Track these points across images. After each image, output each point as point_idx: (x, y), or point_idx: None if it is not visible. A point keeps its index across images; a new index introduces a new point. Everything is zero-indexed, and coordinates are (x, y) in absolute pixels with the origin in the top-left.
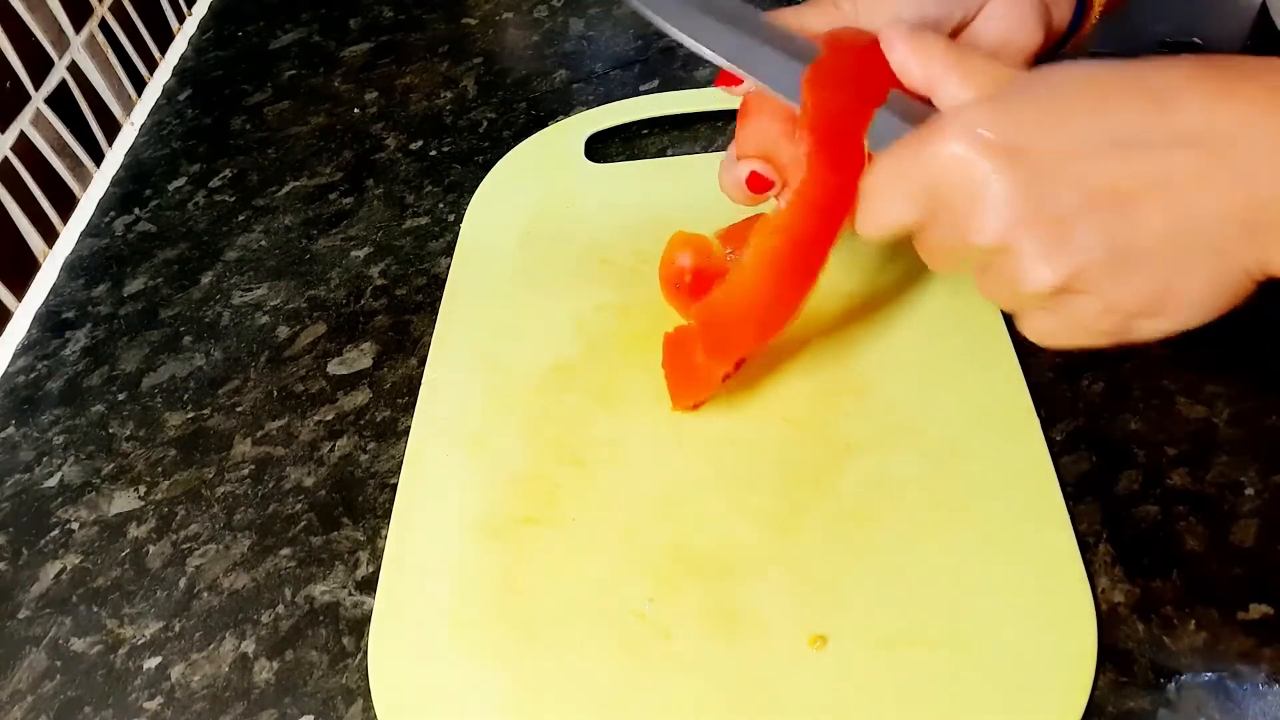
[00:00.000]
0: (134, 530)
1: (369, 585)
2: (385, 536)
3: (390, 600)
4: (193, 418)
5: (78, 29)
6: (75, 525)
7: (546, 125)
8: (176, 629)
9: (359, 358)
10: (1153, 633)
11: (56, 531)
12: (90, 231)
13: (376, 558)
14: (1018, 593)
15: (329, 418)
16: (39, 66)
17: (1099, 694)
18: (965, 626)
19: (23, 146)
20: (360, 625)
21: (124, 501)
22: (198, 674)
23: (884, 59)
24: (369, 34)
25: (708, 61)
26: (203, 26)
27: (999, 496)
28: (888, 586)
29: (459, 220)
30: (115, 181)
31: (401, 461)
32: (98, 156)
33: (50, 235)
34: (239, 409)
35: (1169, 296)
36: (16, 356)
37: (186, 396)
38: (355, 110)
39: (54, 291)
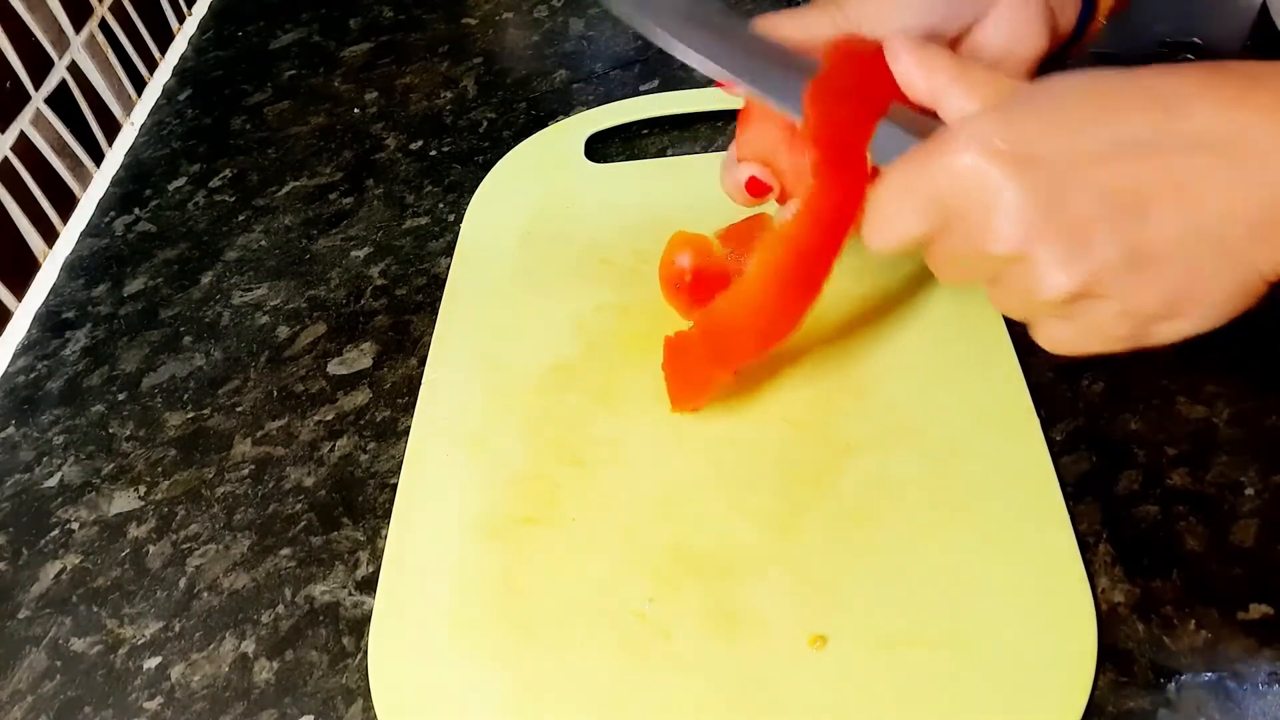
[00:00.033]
0: (134, 530)
1: (369, 585)
2: (385, 536)
3: (390, 600)
4: (193, 418)
5: (78, 29)
6: (75, 525)
7: (546, 125)
8: (176, 629)
9: (359, 358)
10: (1153, 633)
11: (56, 531)
12: (90, 231)
13: (376, 558)
14: (1018, 593)
15: (329, 418)
16: (39, 66)
17: (1099, 694)
18: (965, 626)
19: (23, 146)
20: (360, 625)
21: (124, 501)
22: (198, 674)
23: (886, 70)
24: (369, 34)
25: None
26: (203, 26)
27: (999, 496)
28: (888, 586)
29: (459, 220)
30: (115, 181)
31: (401, 461)
32: (98, 156)
33: (50, 235)
34: (239, 409)
35: (1185, 299)
36: (16, 356)
37: (186, 396)
38: (355, 110)
39: (54, 291)
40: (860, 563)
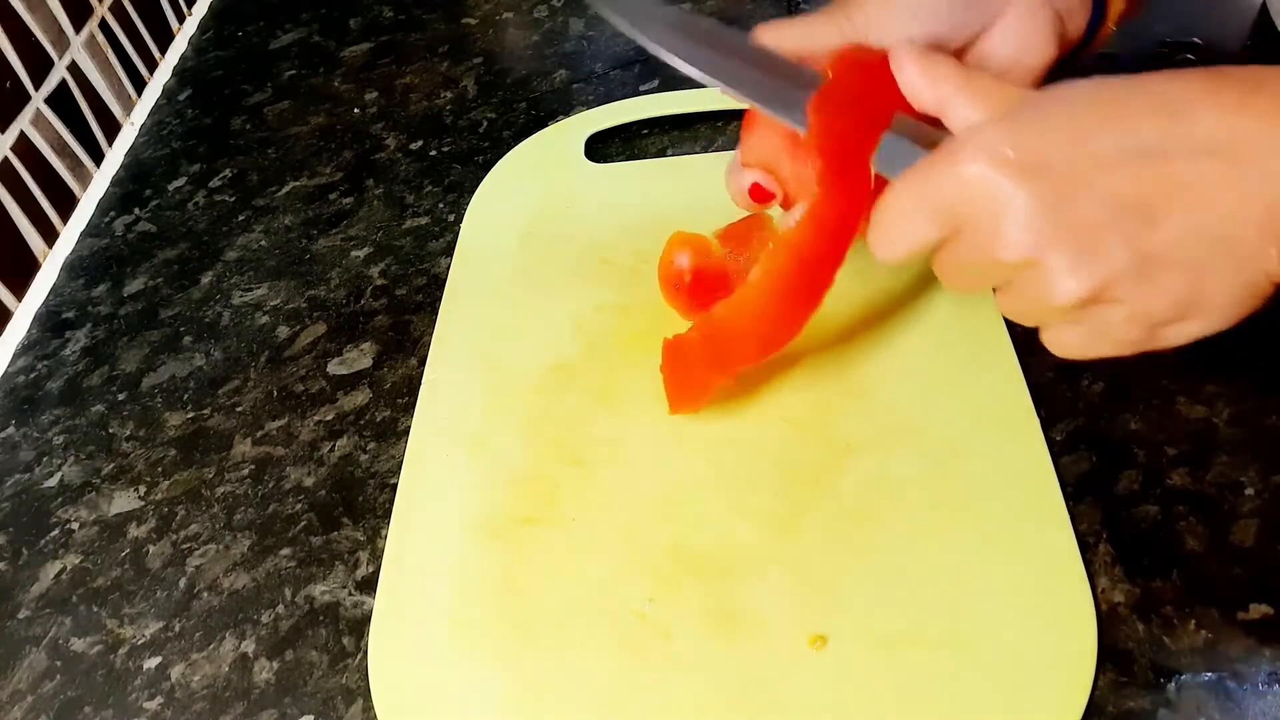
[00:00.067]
0: (134, 530)
1: (369, 585)
2: (385, 536)
3: (390, 600)
4: (193, 418)
5: (78, 29)
6: (75, 525)
7: (546, 125)
8: (176, 629)
9: (359, 358)
10: (1153, 633)
11: (56, 531)
12: (90, 231)
13: (376, 558)
14: (1018, 593)
15: (329, 418)
16: (39, 66)
17: (1099, 694)
18: (965, 626)
19: (23, 146)
20: (360, 625)
21: (124, 501)
22: (198, 674)
23: (890, 79)
24: (369, 34)
25: None
26: (203, 26)
27: (999, 496)
28: (888, 586)
29: (459, 220)
30: (115, 181)
31: (401, 461)
32: (98, 156)
33: (50, 235)
34: (239, 409)
35: (1194, 302)
36: (16, 356)
37: (186, 396)
38: (355, 110)
39: (54, 291)
40: (860, 563)
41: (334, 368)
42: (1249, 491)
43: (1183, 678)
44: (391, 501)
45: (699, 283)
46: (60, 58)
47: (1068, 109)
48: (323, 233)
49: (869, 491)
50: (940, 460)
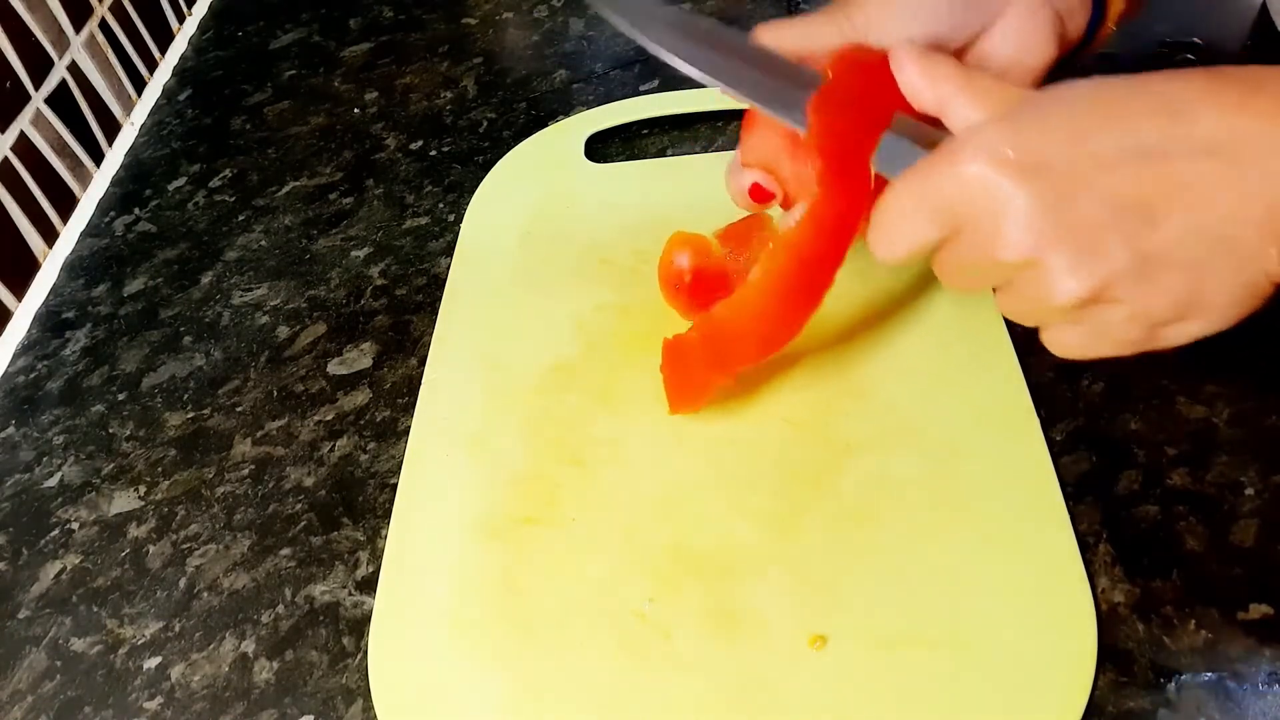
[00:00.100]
0: (134, 530)
1: (369, 585)
2: (385, 536)
3: (390, 600)
4: (193, 418)
5: (78, 29)
6: (75, 525)
7: (546, 125)
8: (176, 629)
9: (359, 358)
10: (1153, 633)
11: (56, 531)
12: (90, 231)
13: (376, 558)
14: (1018, 593)
15: (329, 418)
16: (39, 66)
17: (1099, 694)
18: (965, 626)
19: (23, 146)
20: (360, 625)
21: (124, 501)
22: (198, 674)
23: (890, 79)
24: (369, 34)
25: None
26: (203, 26)
27: (999, 496)
28: (888, 586)
29: (459, 220)
30: (115, 181)
31: (401, 461)
32: (98, 156)
33: (50, 235)
34: (239, 409)
35: (1194, 302)
36: (16, 356)
37: (186, 396)
38: (355, 110)
39: (54, 291)
40: (860, 563)
41: (334, 368)
42: (1249, 491)
43: (1183, 678)
44: (391, 501)
45: (699, 283)
46: (60, 58)
47: (1068, 109)
48: (323, 233)
49: (869, 491)
50: (940, 460)
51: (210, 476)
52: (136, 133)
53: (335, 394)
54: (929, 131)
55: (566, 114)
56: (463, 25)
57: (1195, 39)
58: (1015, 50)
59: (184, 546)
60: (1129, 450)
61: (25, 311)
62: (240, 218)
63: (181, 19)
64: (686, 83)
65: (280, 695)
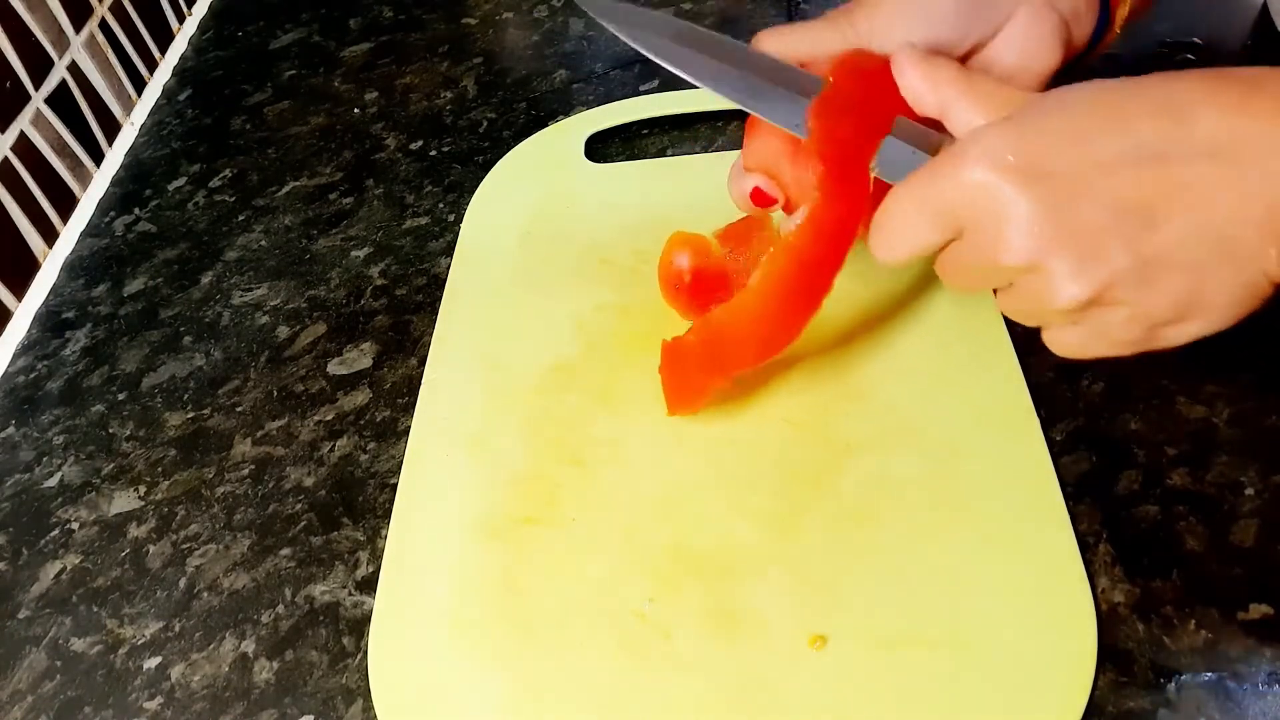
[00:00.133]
0: (134, 530)
1: (369, 585)
2: (385, 536)
3: (390, 600)
4: (193, 418)
5: (78, 29)
6: (75, 525)
7: (546, 125)
8: (176, 629)
9: (359, 358)
10: (1153, 633)
11: (56, 531)
12: (90, 231)
13: (376, 558)
14: (1018, 593)
15: (329, 418)
16: (39, 66)
17: (1099, 694)
18: (965, 626)
19: (23, 146)
20: (360, 625)
21: (124, 501)
22: (198, 674)
23: (891, 84)
24: (369, 34)
25: None
26: (203, 26)
27: (999, 496)
28: (888, 586)
29: (459, 220)
30: (115, 181)
31: (401, 461)
32: (98, 156)
33: (50, 235)
34: (239, 409)
35: (1194, 302)
36: (16, 356)
37: (186, 396)
38: (355, 110)
39: (54, 291)
40: (860, 563)
41: (334, 368)
42: (1249, 491)
43: (1183, 678)
44: (391, 501)
45: (699, 283)
46: (60, 58)
47: (1068, 112)
48: (323, 233)
49: (869, 491)
50: (940, 460)
51: (210, 476)
52: (136, 133)
53: (335, 394)
54: (930, 135)
55: (566, 114)
56: (463, 25)
57: (1195, 39)
58: (1020, 56)
59: (184, 546)
60: (1129, 450)
61: (25, 311)
62: (240, 218)
63: (181, 19)
64: (686, 83)
65: (280, 695)
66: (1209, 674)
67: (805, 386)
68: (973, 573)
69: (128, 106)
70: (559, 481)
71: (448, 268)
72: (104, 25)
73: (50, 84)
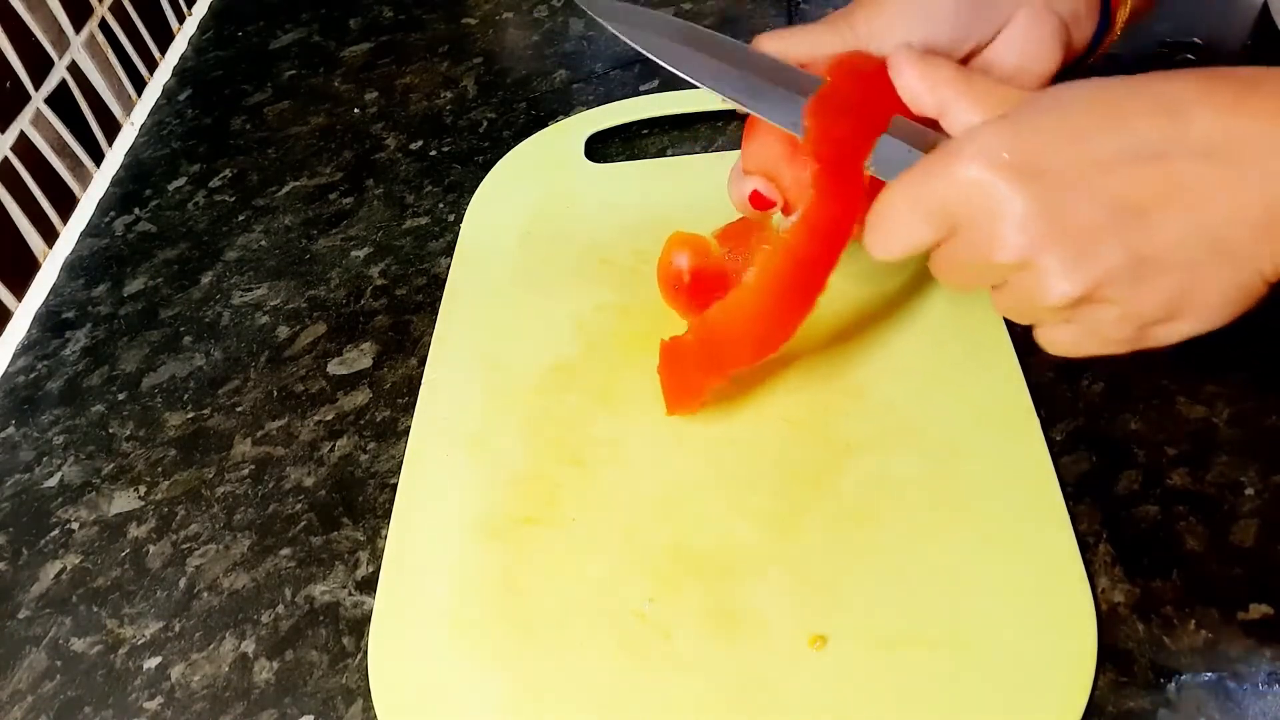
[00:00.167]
0: (134, 530)
1: (369, 585)
2: (385, 536)
3: (390, 600)
4: (193, 418)
5: (78, 29)
6: (75, 525)
7: (546, 125)
8: (176, 629)
9: (359, 358)
10: (1153, 633)
11: (56, 531)
12: (90, 231)
13: (376, 558)
14: (1018, 593)
15: (329, 418)
16: (39, 66)
17: (1099, 694)
18: (965, 626)
19: (23, 146)
20: (360, 625)
21: (124, 501)
22: (198, 674)
23: (888, 85)
24: (369, 34)
25: None
26: (203, 26)
27: (999, 496)
28: (888, 586)
29: (459, 220)
30: (115, 181)
31: (401, 461)
32: (98, 156)
33: (50, 235)
34: (239, 409)
35: (1187, 301)
36: (16, 356)
37: (186, 396)
38: (355, 110)
39: (54, 291)
40: (860, 563)
41: (334, 368)
42: (1249, 491)
43: (1183, 678)
44: (391, 501)
45: (698, 283)
46: (60, 58)
47: (1065, 110)
48: (323, 233)
49: (869, 491)
50: (940, 460)
51: (210, 476)
52: (136, 133)
53: (335, 394)
54: (927, 134)
55: (566, 114)
56: (463, 25)
57: (1195, 39)
58: (1020, 59)
59: (184, 546)
60: (1129, 450)
61: (25, 311)
62: (240, 218)
63: (181, 19)
64: (686, 83)
65: (280, 695)
66: (1209, 674)
67: (805, 386)
68: (973, 573)
69: (128, 106)
70: (559, 481)
71: (448, 268)
72: (104, 25)
73: (50, 84)
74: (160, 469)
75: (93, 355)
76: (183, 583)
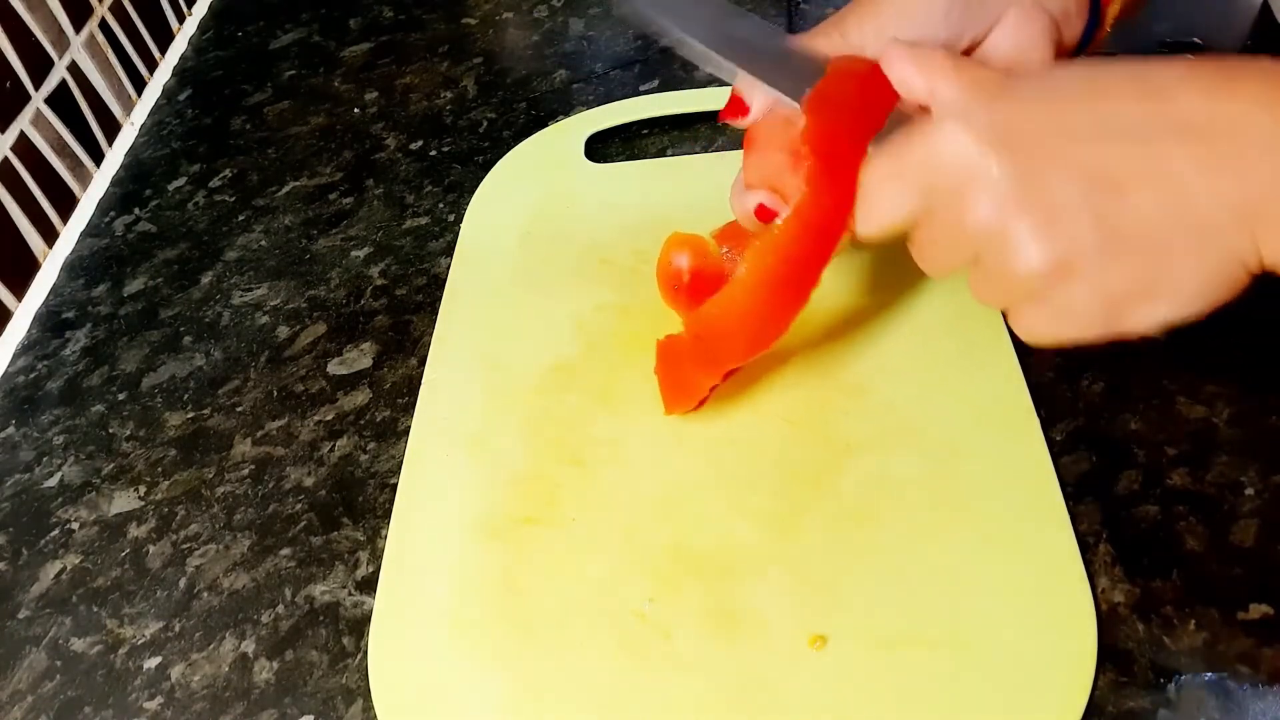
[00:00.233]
0: (134, 530)
1: (369, 585)
2: (385, 536)
3: (390, 600)
4: (193, 418)
5: (78, 29)
6: (75, 525)
7: (546, 125)
8: (176, 629)
9: (359, 358)
10: (1153, 633)
11: (56, 531)
12: (90, 231)
13: (376, 558)
14: (1018, 593)
15: (329, 418)
16: (39, 66)
17: (1099, 694)
18: (965, 626)
19: (23, 146)
20: (360, 625)
21: (124, 501)
22: (198, 674)
23: (884, 84)
24: (369, 34)
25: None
26: (203, 26)
27: (999, 496)
28: (888, 586)
29: (459, 220)
30: (115, 181)
31: (401, 461)
32: (98, 156)
33: (50, 235)
34: (239, 409)
35: (1160, 283)
36: (16, 356)
37: (186, 396)
38: (355, 110)
39: (54, 291)
40: (860, 563)
41: (334, 368)
42: (1249, 491)
43: (1183, 678)
44: (391, 501)
45: (697, 283)
46: (60, 58)
47: (1048, 86)
48: (323, 233)
49: (869, 491)
50: (940, 460)
51: (210, 476)
52: (136, 133)
53: (335, 394)
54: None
55: (566, 114)
56: (463, 25)
57: (1195, 39)
58: (1011, 58)
59: (184, 546)
60: (1129, 450)
61: (25, 311)
62: (240, 218)
63: (181, 19)
64: (686, 83)
65: (280, 695)
66: (1209, 674)
67: (805, 386)
68: (973, 573)
69: (128, 106)
70: (559, 481)
71: (448, 268)
72: (104, 25)
73: (50, 84)
74: (160, 469)
75: (93, 355)
76: (183, 583)
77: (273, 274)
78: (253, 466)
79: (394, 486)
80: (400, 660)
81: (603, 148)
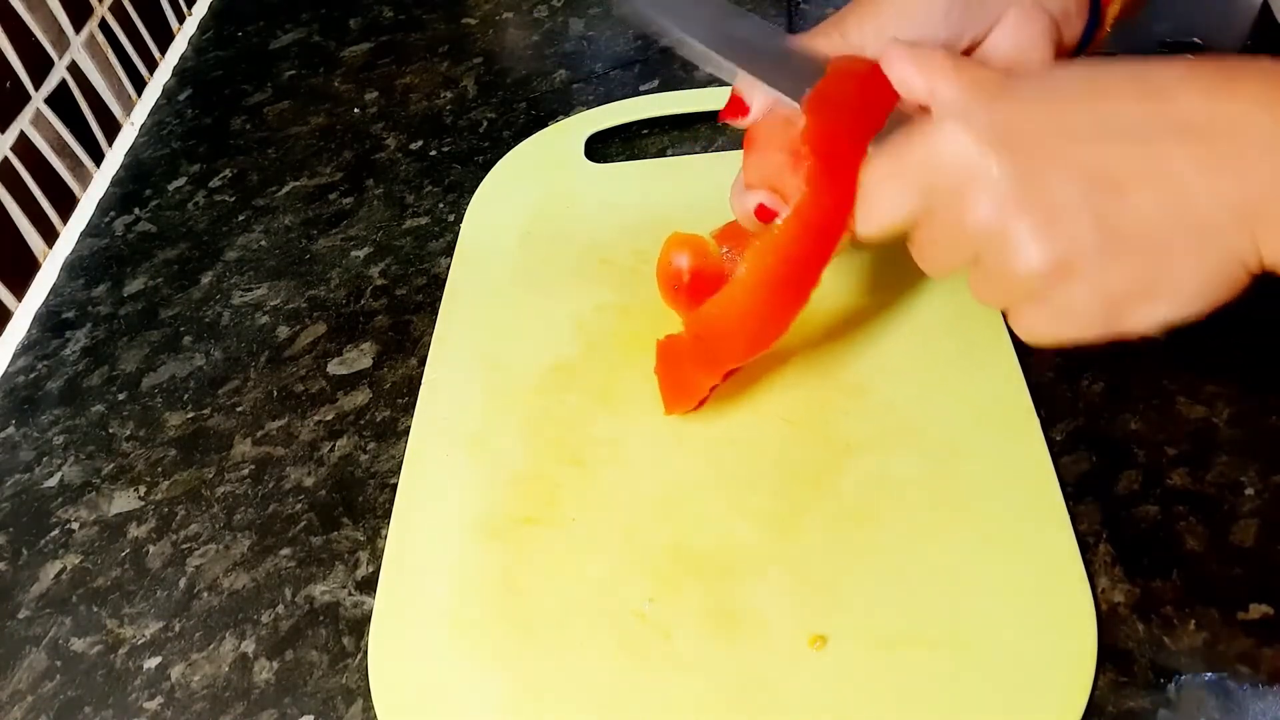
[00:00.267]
0: (134, 530)
1: (369, 585)
2: (385, 536)
3: (390, 600)
4: (193, 418)
5: (78, 29)
6: (75, 525)
7: (546, 125)
8: (176, 629)
9: (359, 358)
10: (1153, 633)
11: (56, 531)
12: (90, 231)
13: (376, 558)
14: (1018, 593)
15: (329, 418)
16: (39, 66)
17: (1099, 694)
18: (965, 626)
19: (23, 146)
20: (360, 625)
21: (124, 501)
22: (198, 674)
23: (884, 84)
24: (369, 34)
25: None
26: (203, 26)
27: (999, 496)
28: (888, 586)
29: (459, 220)
30: (115, 181)
31: (401, 461)
32: (98, 156)
33: (50, 235)
34: (239, 409)
35: (1159, 282)
36: (16, 356)
37: (186, 396)
38: (355, 110)
39: (54, 291)
40: (860, 563)
41: (334, 368)
42: (1249, 491)
43: (1183, 678)
44: (391, 501)
45: (697, 283)
46: (60, 58)
47: (1048, 86)
48: (323, 233)
49: (869, 491)
50: (940, 460)
51: (210, 476)
52: (136, 133)
53: (335, 394)
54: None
55: (566, 114)
56: (463, 25)
57: (1195, 39)
58: (1011, 57)
59: (184, 546)
60: (1129, 450)
61: (25, 311)
62: (240, 218)
63: (181, 19)
64: (686, 83)
65: (280, 695)
66: (1209, 674)
67: (805, 386)
68: (973, 573)
69: (128, 106)
70: (559, 481)
71: (448, 268)
72: (104, 25)
73: (50, 84)
74: (160, 469)
75: (93, 355)
76: (183, 583)
77: (273, 274)
78: (253, 466)
79: (394, 486)
80: (400, 660)
81: (603, 148)
